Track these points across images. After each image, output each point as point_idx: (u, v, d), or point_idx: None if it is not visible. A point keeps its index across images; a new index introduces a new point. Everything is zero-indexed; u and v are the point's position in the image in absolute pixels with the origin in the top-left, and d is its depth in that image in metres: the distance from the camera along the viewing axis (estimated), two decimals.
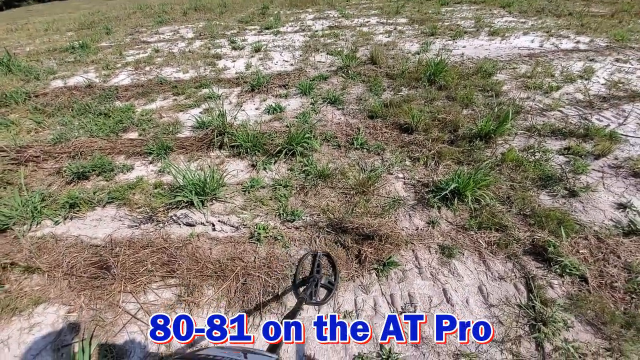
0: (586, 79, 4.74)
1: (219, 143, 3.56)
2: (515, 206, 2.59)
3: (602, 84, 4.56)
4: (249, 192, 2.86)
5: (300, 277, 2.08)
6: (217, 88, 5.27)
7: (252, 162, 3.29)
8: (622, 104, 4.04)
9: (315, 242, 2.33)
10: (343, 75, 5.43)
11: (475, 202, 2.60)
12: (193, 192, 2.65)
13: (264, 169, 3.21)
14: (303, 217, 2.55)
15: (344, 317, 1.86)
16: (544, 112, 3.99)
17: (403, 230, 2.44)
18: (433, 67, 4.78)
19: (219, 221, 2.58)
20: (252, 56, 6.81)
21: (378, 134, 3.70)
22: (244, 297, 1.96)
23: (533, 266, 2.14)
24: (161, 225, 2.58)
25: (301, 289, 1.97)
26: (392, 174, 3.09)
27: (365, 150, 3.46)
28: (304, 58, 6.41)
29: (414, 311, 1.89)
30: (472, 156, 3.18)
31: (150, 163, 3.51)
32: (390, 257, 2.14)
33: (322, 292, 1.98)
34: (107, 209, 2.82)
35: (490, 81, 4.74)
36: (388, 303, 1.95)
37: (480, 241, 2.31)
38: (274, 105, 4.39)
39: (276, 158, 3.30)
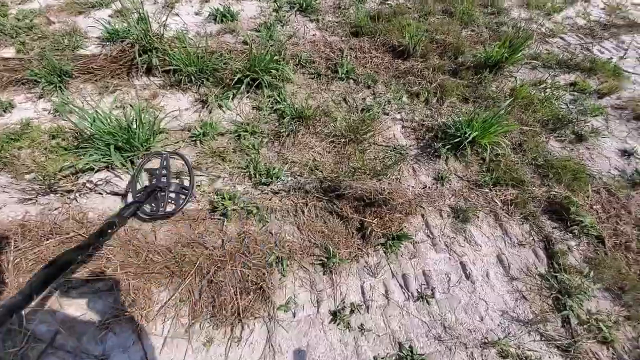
0: (586, 1, 4.21)
1: (144, 65, 2.44)
2: (528, 155, 2.25)
3: (602, 9, 4.09)
4: (201, 142, 2.04)
5: (143, 186, 1.71)
6: None
7: (201, 97, 2.35)
8: (621, 34, 3.68)
9: (304, 212, 1.77)
10: None
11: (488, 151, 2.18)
12: (112, 146, 1.76)
13: (220, 107, 2.32)
14: (283, 178, 1.91)
15: (351, 311, 1.47)
16: (547, 39, 3.48)
17: (408, 189, 1.98)
18: None
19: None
20: None
21: (366, 59, 2.89)
22: (213, 299, 1.42)
23: (549, 227, 1.92)
24: (71, 197, 1.74)
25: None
26: (387, 113, 2.47)
27: (352, 81, 2.69)
28: None
29: (432, 294, 1.56)
30: (479, 91, 2.66)
31: (40, 98, 2.34)
32: (401, 229, 1.71)
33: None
34: None
35: None
36: (401, 287, 1.59)
37: (496, 200, 1.98)
38: (221, 9, 3.13)
39: (235, 91, 2.39)
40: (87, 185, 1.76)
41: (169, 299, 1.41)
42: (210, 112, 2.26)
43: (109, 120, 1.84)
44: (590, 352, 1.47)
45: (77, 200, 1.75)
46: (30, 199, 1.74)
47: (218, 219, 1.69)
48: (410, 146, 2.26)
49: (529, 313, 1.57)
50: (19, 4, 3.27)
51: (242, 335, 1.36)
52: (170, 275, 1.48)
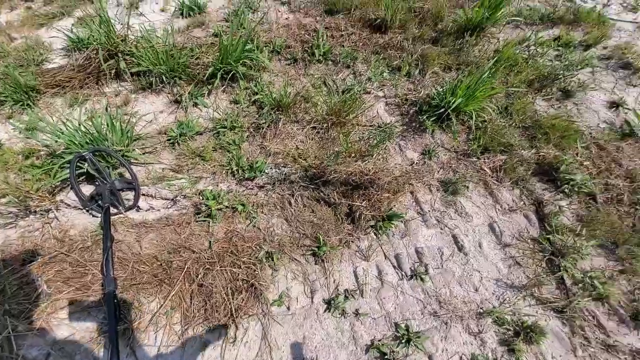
0: None
1: (112, 70, 2.35)
2: (516, 117, 2.19)
3: None
4: (179, 144, 1.98)
5: (85, 192, 1.71)
6: None
7: (175, 97, 2.27)
8: None
9: (291, 204, 1.74)
10: None
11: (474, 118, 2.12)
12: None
13: (195, 105, 2.24)
14: (267, 171, 1.87)
15: (346, 298, 1.46)
16: None
17: (396, 167, 1.94)
18: None
19: (142, 194, 1.78)
20: None
21: (343, 37, 2.78)
22: (205, 303, 1.41)
23: (539, 189, 1.89)
24: (50, 216, 1.70)
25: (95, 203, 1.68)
26: (369, 92, 2.39)
27: (330, 62, 2.60)
28: None
29: (425, 271, 1.55)
30: (462, 58, 2.56)
31: (9, 118, 2.26)
32: (391, 209, 1.68)
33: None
34: None
35: None
36: (394, 267, 1.58)
37: (485, 168, 1.94)
38: (187, 2, 2.99)
39: (209, 86, 2.31)
40: (65, 202, 1.72)
41: (159, 308, 1.40)
42: (186, 112, 2.19)
43: (79, 132, 1.78)
44: (586, 310, 1.47)
45: (57, 219, 1.71)
46: (10, 223, 1.70)
47: (203, 220, 1.66)
48: (395, 123, 2.20)
49: (523, 278, 1.56)
50: None
51: (237, 335, 1.36)
52: (159, 283, 1.46)
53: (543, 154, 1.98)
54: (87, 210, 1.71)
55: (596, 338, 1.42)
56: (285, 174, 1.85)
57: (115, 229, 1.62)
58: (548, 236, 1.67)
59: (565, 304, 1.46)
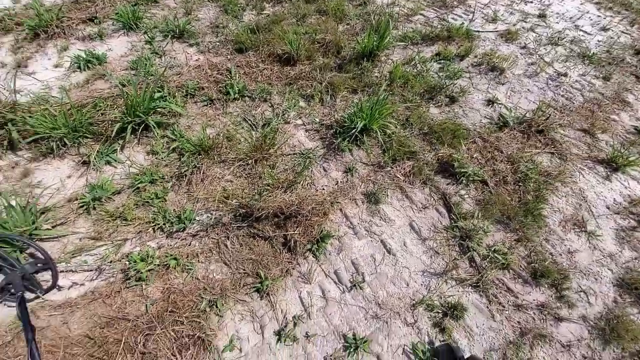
0: None
1: (3, 142, 2.10)
2: (415, 127, 2.55)
3: None
4: (94, 209, 1.86)
5: None
6: None
7: (82, 158, 2.12)
8: None
9: (227, 246, 1.75)
10: None
11: (382, 133, 2.42)
12: None
13: (107, 163, 2.12)
14: (197, 218, 1.86)
15: (295, 325, 1.53)
16: (410, 18, 3.94)
17: (324, 189, 2.10)
18: None
19: (60, 272, 1.62)
20: None
21: (256, 73, 2.93)
22: None
23: (444, 184, 2.22)
24: None
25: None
26: (289, 122, 2.55)
27: (247, 98, 2.70)
28: None
29: (362, 279, 1.71)
30: (364, 80, 2.91)
31: None
32: (322, 231, 1.81)
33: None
34: None
35: None
36: (335, 283, 1.70)
37: (398, 175, 2.22)
38: (84, 55, 2.84)
39: (121, 141, 2.21)
40: None
41: None
42: (98, 172, 2.06)
43: None
44: (496, 279, 1.77)
45: None
46: None
47: (135, 285, 1.58)
48: (317, 147, 2.38)
49: (443, 264, 1.82)
50: None
51: None
52: None
53: (441, 154, 2.34)
54: (0, 303, 1.49)
55: (508, 301, 1.72)
56: (217, 217, 1.86)
57: (36, 315, 1.44)
58: (456, 224, 1.97)
59: (478, 278, 1.74)
